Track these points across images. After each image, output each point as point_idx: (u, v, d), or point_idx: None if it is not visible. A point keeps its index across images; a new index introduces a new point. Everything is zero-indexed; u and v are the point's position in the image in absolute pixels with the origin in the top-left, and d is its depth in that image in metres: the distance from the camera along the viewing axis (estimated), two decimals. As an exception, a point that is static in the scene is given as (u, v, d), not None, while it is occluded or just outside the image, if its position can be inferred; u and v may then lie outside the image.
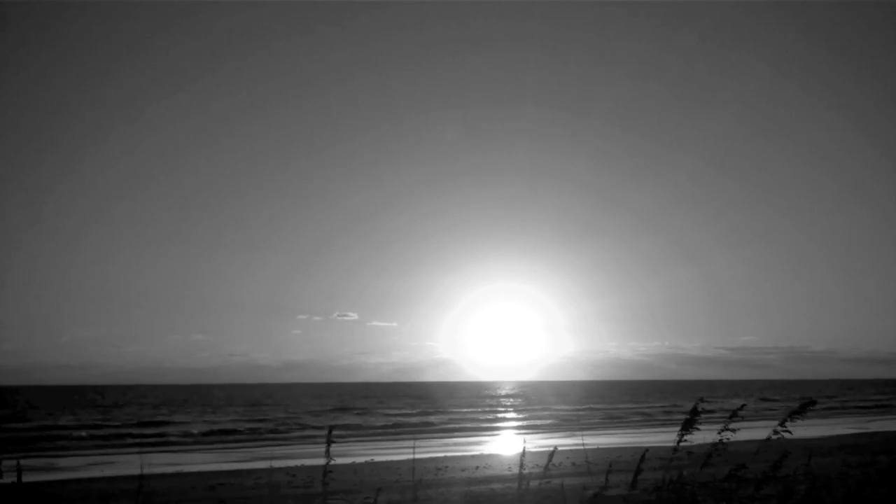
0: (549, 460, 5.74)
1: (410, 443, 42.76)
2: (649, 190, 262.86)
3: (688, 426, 5.10)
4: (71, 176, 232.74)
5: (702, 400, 5.45)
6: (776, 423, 5.27)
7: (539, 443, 40.48)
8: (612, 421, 67.78)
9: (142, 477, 24.94)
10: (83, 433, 52.42)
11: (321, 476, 5.51)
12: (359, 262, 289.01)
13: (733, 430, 5.12)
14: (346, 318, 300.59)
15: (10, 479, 5.65)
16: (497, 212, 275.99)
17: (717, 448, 5.01)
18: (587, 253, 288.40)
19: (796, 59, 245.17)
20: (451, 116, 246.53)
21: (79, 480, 26.90)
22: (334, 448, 5.54)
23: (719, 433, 5.09)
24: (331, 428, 5.64)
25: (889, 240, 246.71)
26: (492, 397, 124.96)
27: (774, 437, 5.11)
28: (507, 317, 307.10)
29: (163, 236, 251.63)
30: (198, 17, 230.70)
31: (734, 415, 5.15)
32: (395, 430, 56.96)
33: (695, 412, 5.11)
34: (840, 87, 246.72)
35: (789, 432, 5.05)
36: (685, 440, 5.08)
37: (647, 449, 5.42)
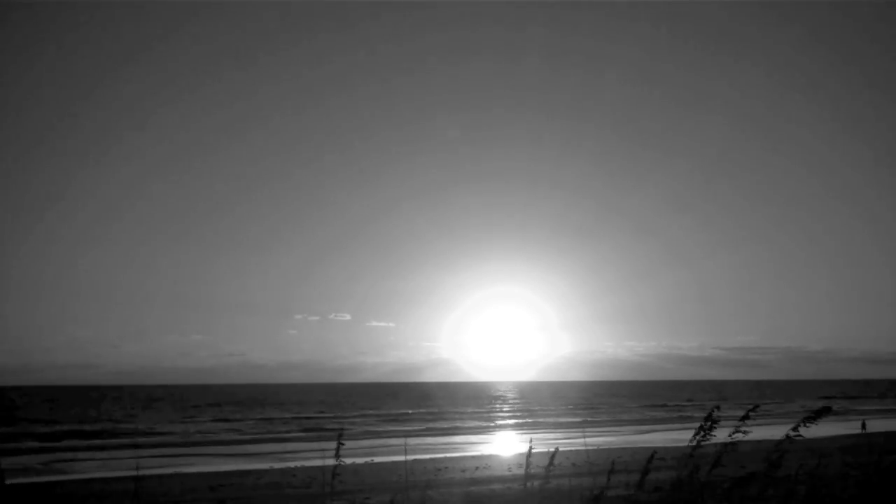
0: (551, 461, 5.76)
1: (411, 443, 42.76)
2: (646, 193, 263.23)
3: (703, 430, 5.11)
4: (73, 179, 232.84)
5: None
6: (777, 423, 5.32)
7: (538, 443, 40.44)
8: (611, 421, 67.78)
9: (137, 478, 24.96)
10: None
11: (321, 476, 5.50)
12: (357, 264, 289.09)
13: (745, 433, 5.13)
14: (341, 318, 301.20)
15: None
16: (495, 216, 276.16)
17: (727, 449, 5.03)
18: (584, 255, 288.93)
19: (789, 64, 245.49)
20: (450, 121, 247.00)
21: (80, 481, 26.87)
22: (333, 449, 5.53)
23: (730, 435, 5.11)
24: (341, 431, 5.64)
25: (884, 240, 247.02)
26: (490, 398, 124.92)
27: (787, 440, 5.13)
28: (506, 318, 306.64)
29: (162, 238, 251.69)
30: (204, 24, 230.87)
31: (746, 417, 5.16)
32: (395, 431, 56.93)
33: (709, 418, 5.13)
34: (833, 90, 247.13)
35: (801, 436, 5.07)
36: (698, 443, 5.09)
37: (654, 451, 5.43)
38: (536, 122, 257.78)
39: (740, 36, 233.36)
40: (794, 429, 5.19)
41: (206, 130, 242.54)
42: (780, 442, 5.19)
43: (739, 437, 5.17)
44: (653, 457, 5.29)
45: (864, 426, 43.55)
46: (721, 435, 5.31)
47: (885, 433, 43.04)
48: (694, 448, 5.20)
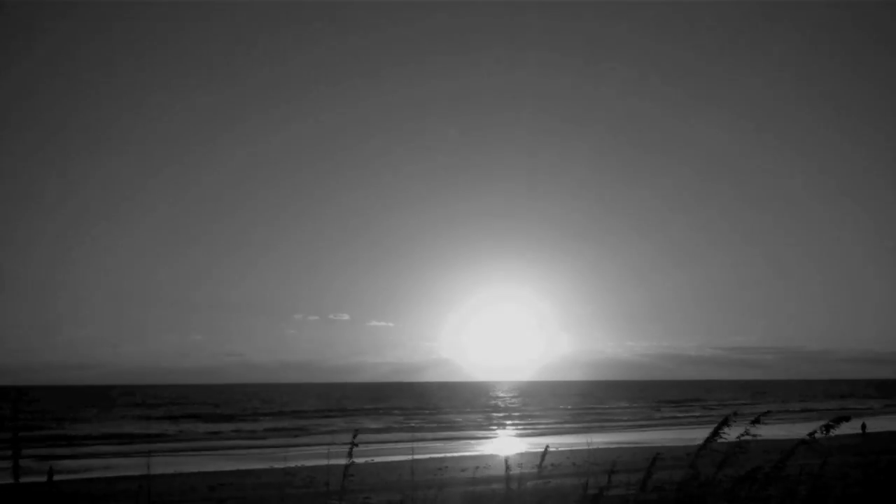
0: (542, 460, 5.77)
1: (410, 443, 42.73)
2: (645, 194, 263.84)
3: (716, 434, 5.15)
4: (71, 179, 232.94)
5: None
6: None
7: (538, 443, 40.45)
8: (610, 420, 67.80)
9: (148, 477, 24.94)
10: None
11: (321, 476, 5.50)
12: (357, 264, 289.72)
13: (754, 436, 5.14)
14: (341, 318, 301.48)
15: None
16: (495, 217, 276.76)
17: (735, 449, 5.04)
18: (584, 256, 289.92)
19: (787, 67, 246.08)
20: (450, 123, 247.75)
21: (82, 481, 26.84)
22: (331, 448, 5.52)
23: (739, 438, 5.13)
24: (356, 431, 5.63)
25: (883, 241, 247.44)
26: (490, 398, 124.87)
27: (803, 445, 5.16)
28: (505, 318, 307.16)
29: (162, 238, 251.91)
30: (208, 25, 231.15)
31: (756, 421, 5.17)
32: (395, 431, 56.89)
33: (725, 423, 5.17)
34: (831, 92, 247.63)
35: (817, 441, 5.10)
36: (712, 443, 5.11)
37: (657, 453, 5.43)
38: (536, 124, 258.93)
39: (738, 39, 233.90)
40: (811, 434, 5.19)
41: (206, 132, 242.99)
42: (796, 445, 5.21)
43: (748, 438, 5.17)
44: (697, 457, 5.21)
45: (864, 427, 43.55)
46: (742, 438, 5.32)
47: (884, 433, 43.06)
48: (701, 448, 5.20)
